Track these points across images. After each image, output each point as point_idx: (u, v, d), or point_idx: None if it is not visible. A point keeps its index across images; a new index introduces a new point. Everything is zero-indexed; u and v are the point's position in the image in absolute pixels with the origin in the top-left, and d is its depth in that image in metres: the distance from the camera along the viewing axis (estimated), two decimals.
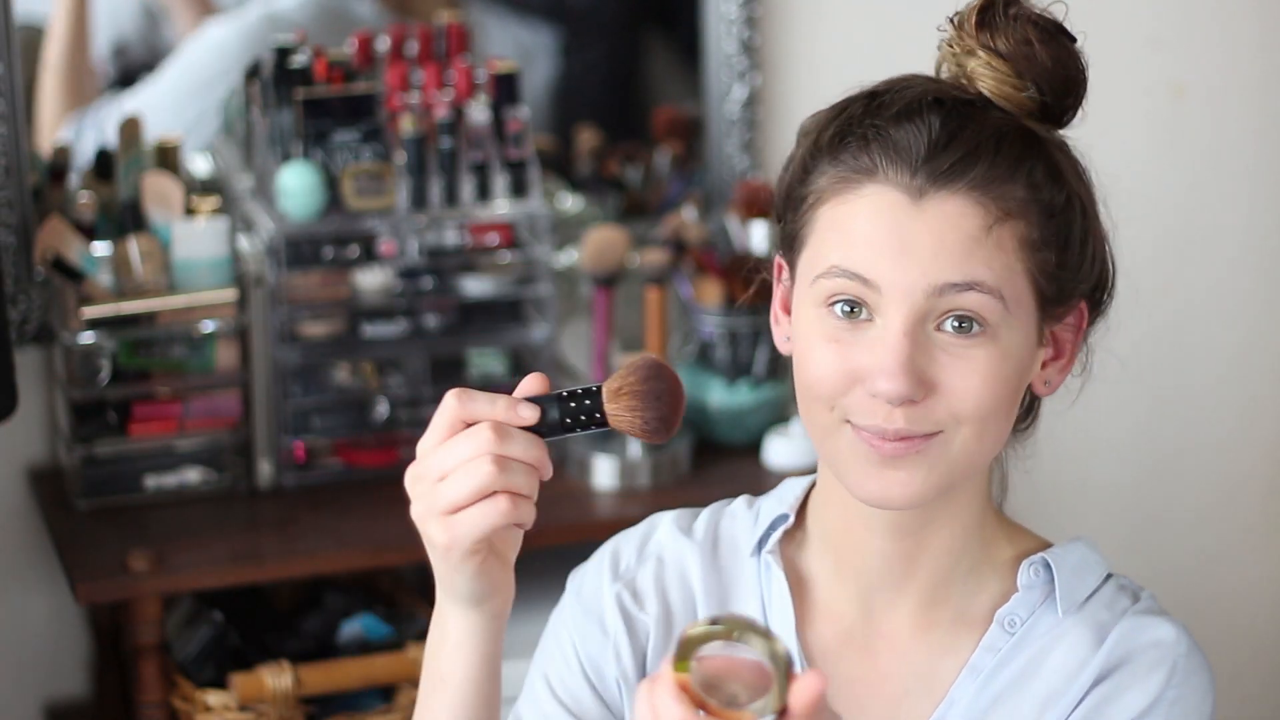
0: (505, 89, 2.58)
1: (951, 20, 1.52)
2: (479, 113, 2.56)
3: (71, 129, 2.70)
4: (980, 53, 1.49)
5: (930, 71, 1.54)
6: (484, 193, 2.56)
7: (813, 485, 1.61)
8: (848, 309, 1.45)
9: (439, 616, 1.47)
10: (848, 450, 1.47)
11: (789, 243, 1.52)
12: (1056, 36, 1.50)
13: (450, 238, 2.57)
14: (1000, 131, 1.47)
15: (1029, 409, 1.59)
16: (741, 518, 1.63)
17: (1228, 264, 2.91)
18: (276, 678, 2.30)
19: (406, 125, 2.52)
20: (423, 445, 1.39)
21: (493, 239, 2.58)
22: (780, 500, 1.61)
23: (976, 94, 1.49)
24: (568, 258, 2.70)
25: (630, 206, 2.86)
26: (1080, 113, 1.53)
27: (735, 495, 1.66)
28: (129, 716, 2.43)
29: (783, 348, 1.55)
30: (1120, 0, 2.81)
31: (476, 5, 2.93)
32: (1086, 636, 1.53)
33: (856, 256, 1.44)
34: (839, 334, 1.46)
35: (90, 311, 2.42)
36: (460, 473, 1.36)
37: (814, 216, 1.48)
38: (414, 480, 1.39)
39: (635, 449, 2.50)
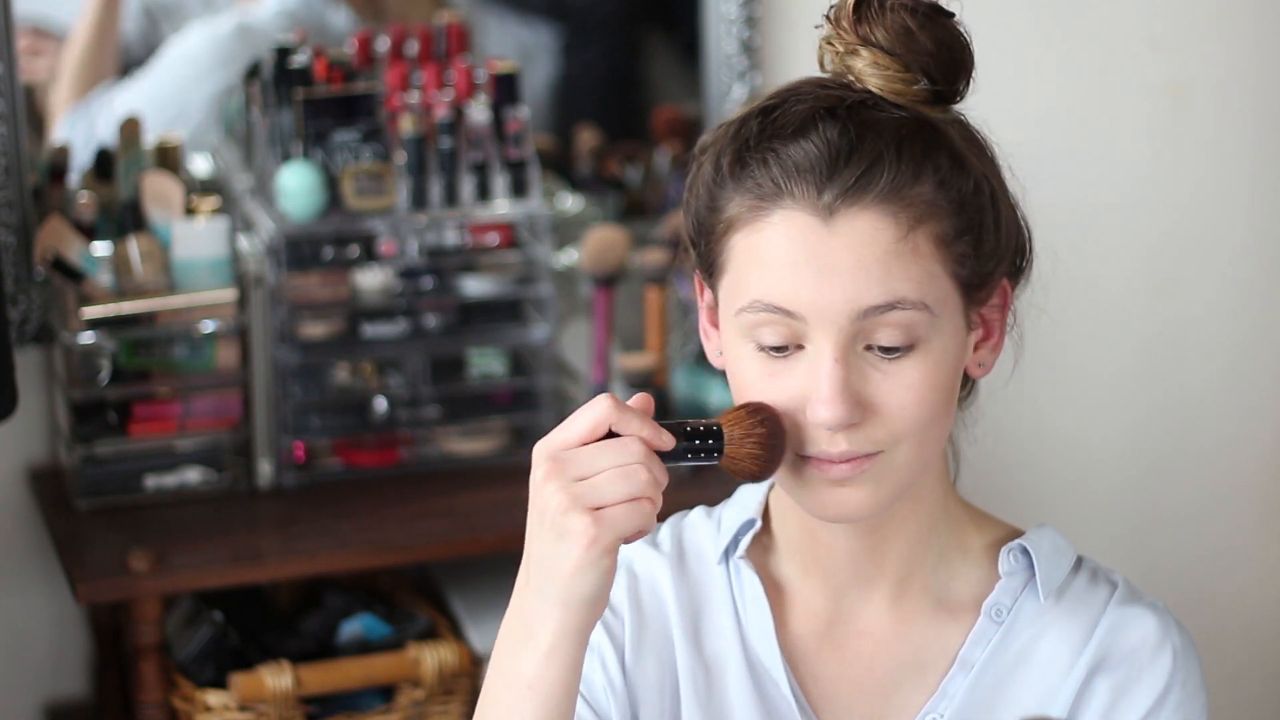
0: (505, 89, 2.58)
1: (827, 17, 1.50)
2: (479, 113, 2.56)
3: (70, 120, 2.71)
4: (863, 51, 1.47)
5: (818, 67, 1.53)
6: (484, 193, 2.56)
7: (770, 488, 1.60)
8: (775, 350, 1.45)
9: (527, 622, 1.43)
10: (804, 477, 1.47)
11: (707, 268, 1.51)
12: (935, 18, 1.47)
13: (450, 238, 2.57)
14: (899, 132, 1.45)
15: (964, 381, 1.58)
16: (702, 528, 1.62)
17: (1227, 264, 2.91)
18: (276, 678, 2.30)
19: (406, 125, 2.52)
20: (567, 437, 1.41)
21: (493, 239, 2.58)
22: (743, 506, 1.61)
23: (865, 91, 1.47)
24: (568, 258, 2.70)
25: (630, 206, 2.86)
26: (972, 84, 1.51)
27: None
28: (129, 716, 2.43)
29: (716, 362, 1.54)
30: (1120, 0, 2.81)
31: (477, 5, 2.93)
32: (1074, 628, 1.54)
33: (776, 288, 1.43)
34: (772, 367, 1.45)
35: (90, 311, 2.42)
36: (616, 475, 1.40)
37: (728, 245, 1.47)
38: (556, 467, 1.40)
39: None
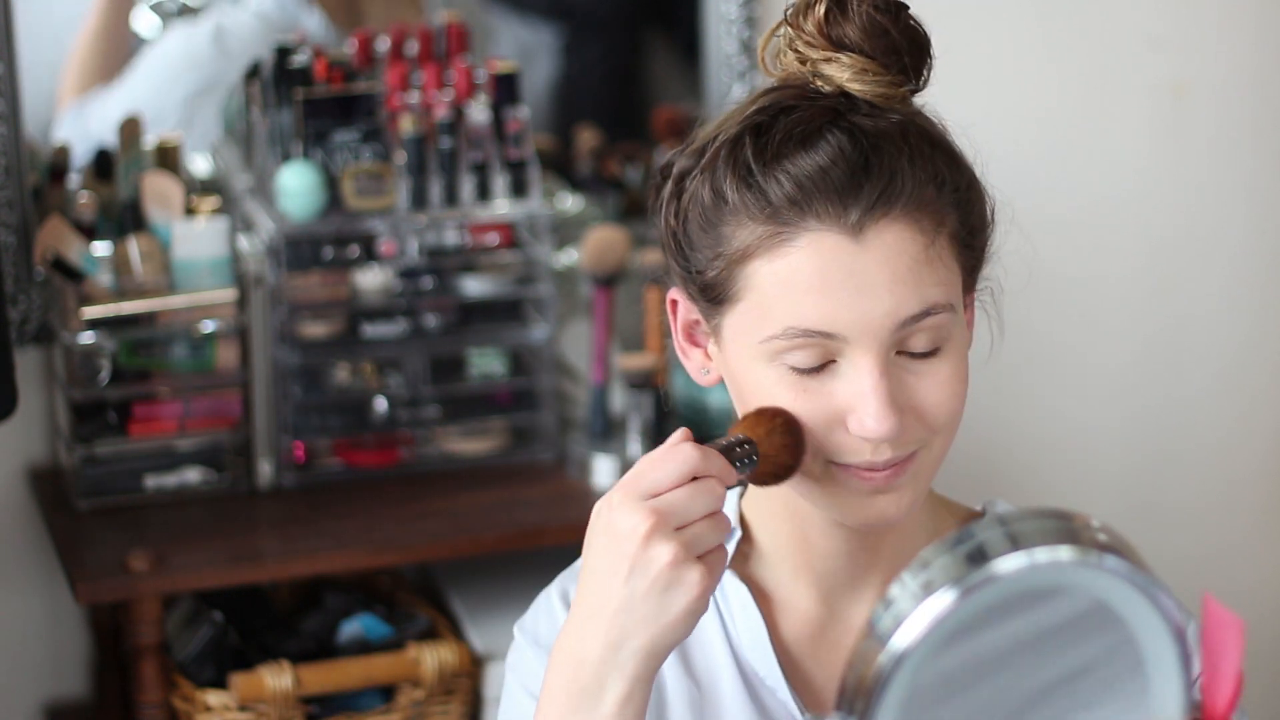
0: (505, 89, 2.58)
1: (788, 19, 1.47)
2: (479, 113, 2.56)
3: (69, 117, 2.71)
4: (843, 57, 1.44)
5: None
6: (484, 193, 2.56)
7: (741, 496, 1.59)
8: (807, 370, 1.42)
9: (597, 674, 1.39)
10: (836, 487, 1.46)
11: (711, 296, 1.46)
12: (898, 12, 1.45)
13: (450, 238, 2.57)
14: (905, 139, 1.43)
15: None
16: None
17: (1227, 263, 2.92)
18: (276, 678, 2.30)
19: (406, 125, 2.52)
20: (657, 482, 1.38)
21: (493, 239, 2.58)
22: None
23: (840, 95, 1.45)
24: (568, 258, 2.70)
25: (630, 206, 2.86)
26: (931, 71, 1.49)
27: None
28: (129, 716, 2.43)
29: (704, 380, 1.52)
30: (1120, 0, 2.81)
31: (476, 5, 2.93)
32: None
33: (811, 313, 1.40)
34: (805, 384, 1.43)
35: (90, 311, 2.42)
36: (710, 523, 1.38)
37: (744, 273, 1.43)
38: (660, 520, 1.37)
39: (635, 449, 2.50)
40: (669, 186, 1.49)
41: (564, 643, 1.40)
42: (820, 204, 1.40)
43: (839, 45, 1.45)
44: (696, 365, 1.52)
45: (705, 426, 2.61)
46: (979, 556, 1.11)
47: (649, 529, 1.36)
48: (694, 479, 1.38)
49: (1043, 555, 1.11)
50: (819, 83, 1.46)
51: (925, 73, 1.48)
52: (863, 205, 1.40)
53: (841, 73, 1.45)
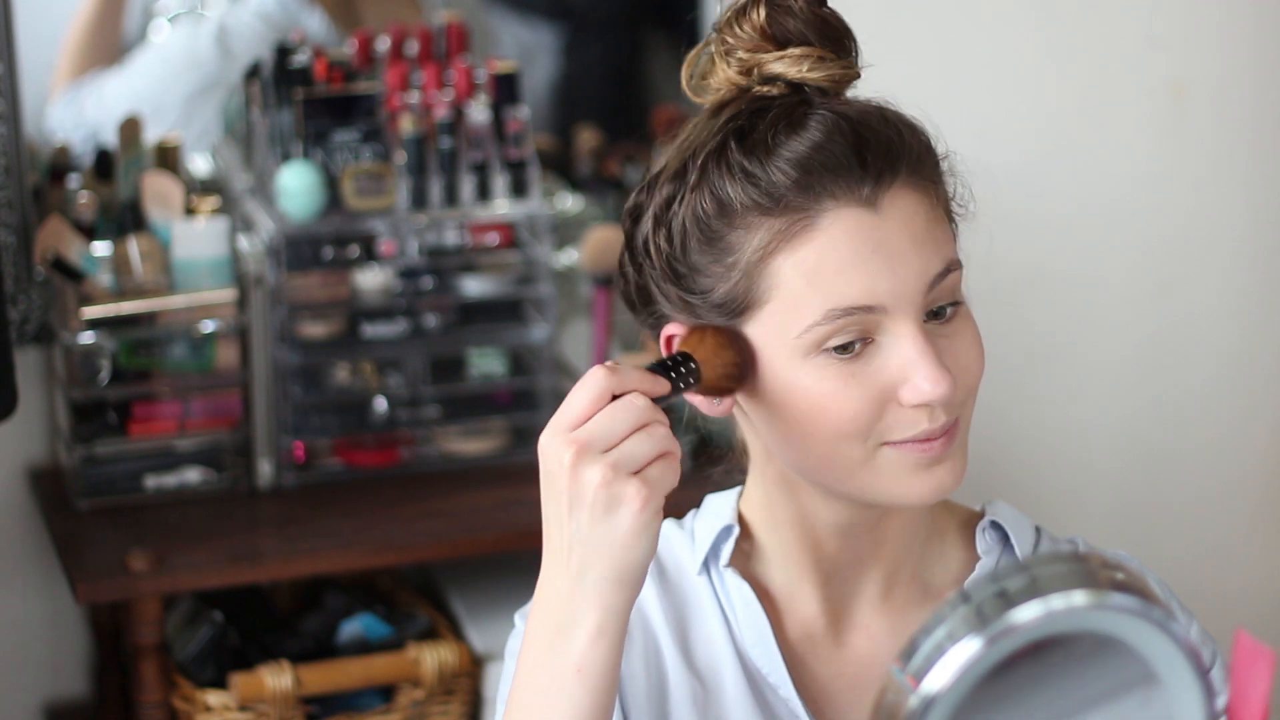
0: (505, 89, 2.58)
1: (719, 30, 1.47)
2: (479, 113, 2.56)
3: (62, 103, 2.71)
4: (793, 50, 1.44)
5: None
6: (484, 193, 2.56)
7: (739, 497, 1.58)
8: (845, 350, 1.41)
9: (568, 609, 1.39)
10: (891, 468, 1.44)
11: (724, 309, 1.44)
12: (823, 3, 1.46)
13: (450, 238, 2.58)
14: (881, 113, 1.44)
15: None
16: (675, 539, 1.59)
17: (1227, 263, 2.92)
18: (276, 678, 2.30)
19: (406, 125, 2.52)
20: (573, 414, 1.40)
21: (493, 239, 2.58)
22: (716, 515, 1.57)
23: (795, 88, 1.45)
24: (568, 258, 2.70)
25: None
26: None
27: None
28: (129, 716, 2.43)
29: (713, 411, 1.50)
30: (1120, 0, 2.81)
31: (476, 4, 2.93)
32: None
33: (850, 289, 1.40)
34: (850, 369, 1.42)
35: (90, 311, 2.42)
36: (640, 436, 1.38)
37: (765, 274, 1.42)
38: (582, 446, 1.38)
39: None
40: (649, 219, 1.48)
41: (538, 592, 1.41)
42: (831, 182, 1.41)
43: (784, 42, 1.45)
44: (704, 397, 1.50)
45: (705, 425, 2.60)
46: (1001, 603, 1.13)
47: (572, 457, 1.38)
48: (613, 399, 1.38)
49: (1058, 601, 1.12)
50: (766, 88, 1.46)
51: (858, 56, 1.48)
52: (872, 176, 1.41)
53: (796, 65, 1.45)
